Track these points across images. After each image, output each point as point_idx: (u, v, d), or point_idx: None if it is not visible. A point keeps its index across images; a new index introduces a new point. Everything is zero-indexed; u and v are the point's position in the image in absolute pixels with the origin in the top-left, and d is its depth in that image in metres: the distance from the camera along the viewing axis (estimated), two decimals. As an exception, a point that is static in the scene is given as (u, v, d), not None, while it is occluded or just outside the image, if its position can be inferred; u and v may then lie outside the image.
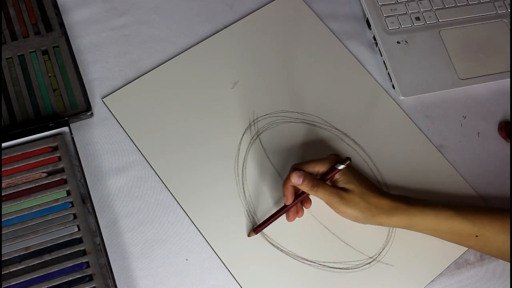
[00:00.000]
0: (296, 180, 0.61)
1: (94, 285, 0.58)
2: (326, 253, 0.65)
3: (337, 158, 0.64)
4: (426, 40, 0.78)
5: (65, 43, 0.70)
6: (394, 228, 0.67)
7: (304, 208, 0.65)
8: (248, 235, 0.65)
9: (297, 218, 0.65)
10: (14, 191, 0.61)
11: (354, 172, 0.64)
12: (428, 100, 0.75)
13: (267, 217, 0.64)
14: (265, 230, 0.65)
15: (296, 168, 0.63)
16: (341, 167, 0.61)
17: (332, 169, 0.62)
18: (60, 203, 0.61)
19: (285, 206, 0.64)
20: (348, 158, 0.62)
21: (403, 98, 0.74)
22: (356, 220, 0.62)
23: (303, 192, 0.63)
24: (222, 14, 0.77)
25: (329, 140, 0.71)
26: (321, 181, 0.62)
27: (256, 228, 0.64)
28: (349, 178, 0.62)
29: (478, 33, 0.79)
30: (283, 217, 0.65)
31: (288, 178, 0.62)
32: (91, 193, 0.63)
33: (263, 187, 0.67)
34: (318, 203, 0.67)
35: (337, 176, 0.62)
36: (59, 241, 0.59)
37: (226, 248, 0.64)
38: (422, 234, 0.66)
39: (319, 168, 0.63)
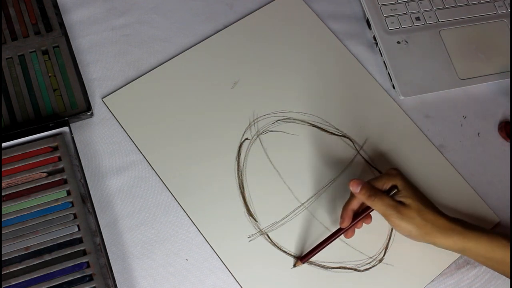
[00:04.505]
0: (354, 188, 0.61)
1: (94, 285, 0.58)
2: (326, 253, 0.65)
3: (397, 173, 0.63)
4: (426, 40, 0.78)
5: (65, 43, 0.70)
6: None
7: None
8: (294, 265, 0.64)
9: (296, 218, 0.65)
10: (14, 191, 0.61)
11: (413, 187, 0.63)
12: (428, 100, 0.75)
13: (315, 244, 0.63)
14: (266, 230, 0.65)
15: (355, 179, 0.62)
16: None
17: (392, 186, 0.62)
18: (60, 203, 0.61)
19: (339, 229, 0.63)
20: (395, 186, 0.61)
21: (403, 98, 0.74)
22: (409, 236, 0.61)
23: (362, 212, 0.63)
24: (222, 14, 0.77)
25: (329, 140, 0.71)
26: (379, 191, 0.61)
27: (304, 257, 0.63)
28: (407, 192, 0.61)
29: (478, 33, 0.79)
30: (283, 219, 0.65)
31: (348, 201, 0.62)
32: (91, 193, 0.63)
33: (263, 187, 0.67)
34: (319, 203, 0.67)
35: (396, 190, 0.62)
36: (59, 241, 0.59)
37: (226, 248, 0.64)
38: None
39: (379, 185, 0.62)
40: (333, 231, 0.64)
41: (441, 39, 0.78)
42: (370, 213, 0.64)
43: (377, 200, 0.60)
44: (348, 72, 0.75)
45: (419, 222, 0.60)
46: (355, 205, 0.63)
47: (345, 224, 0.62)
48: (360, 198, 0.61)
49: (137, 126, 0.68)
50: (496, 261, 0.61)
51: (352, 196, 0.63)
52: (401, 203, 0.61)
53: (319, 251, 0.63)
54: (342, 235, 0.63)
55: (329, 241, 0.63)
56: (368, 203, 0.61)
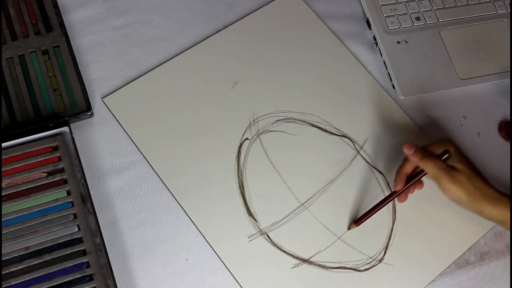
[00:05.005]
0: (407, 150, 0.63)
1: (94, 285, 0.58)
2: (326, 253, 0.65)
3: (449, 140, 0.64)
4: (426, 40, 0.78)
5: (65, 43, 0.70)
6: (394, 228, 0.67)
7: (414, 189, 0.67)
8: (349, 228, 0.65)
9: (296, 218, 0.65)
10: (14, 191, 0.61)
11: (465, 155, 0.64)
12: (428, 100, 0.75)
13: (369, 208, 0.65)
14: (266, 230, 0.65)
15: (408, 142, 0.64)
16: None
17: (444, 150, 0.63)
18: (60, 203, 0.61)
19: (393, 193, 0.65)
20: (447, 151, 0.63)
21: (403, 98, 0.74)
22: (458, 201, 0.63)
23: (415, 176, 0.64)
24: (222, 14, 0.77)
25: (329, 140, 0.71)
26: (432, 154, 0.63)
27: (358, 219, 0.65)
28: (459, 157, 0.63)
29: (478, 33, 0.79)
30: (283, 219, 0.65)
31: (402, 165, 0.64)
32: (91, 193, 0.63)
33: (263, 187, 0.67)
34: (319, 203, 0.67)
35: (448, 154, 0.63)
36: (59, 241, 0.59)
37: (226, 248, 0.64)
38: (422, 234, 0.66)
39: (432, 150, 0.64)
40: (385, 196, 0.65)
41: (441, 39, 0.78)
42: (422, 179, 0.65)
43: (430, 162, 0.62)
44: (348, 72, 0.75)
45: (469, 188, 0.61)
46: (408, 168, 0.65)
47: (399, 187, 0.64)
48: (413, 160, 0.63)
49: (137, 126, 0.68)
50: None
51: (405, 159, 0.64)
52: (453, 167, 0.62)
53: (372, 214, 0.65)
54: (396, 199, 0.66)
55: (383, 204, 0.65)
56: (421, 164, 0.62)
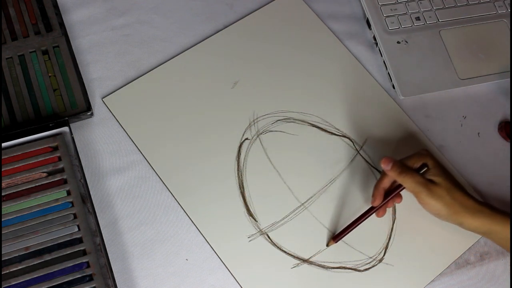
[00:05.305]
0: (385, 165, 0.62)
1: (94, 285, 0.58)
2: (326, 253, 0.65)
3: (428, 153, 0.64)
4: (426, 40, 0.78)
5: (65, 43, 0.70)
6: (395, 228, 0.67)
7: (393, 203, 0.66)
8: (327, 245, 0.65)
9: (296, 218, 0.65)
10: (14, 191, 0.61)
11: (443, 167, 0.64)
12: (428, 100, 0.75)
13: (347, 224, 0.64)
14: (266, 230, 0.65)
15: (386, 156, 0.63)
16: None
17: (422, 164, 0.63)
18: (60, 203, 0.61)
19: (371, 208, 0.64)
20: (425, 165, 0.63)
21: (403, 98, 0.74)
22: (438, 215, 0.62)
23: (393, 191, 0.64)
24: (222, 14, 0.77)
25: (329, 140, 0.71)
26: (410, 169, 0.62)
27: (336, 236, 0.64)
28: (438, 171, 0.62)
29: (478, 33, 0.79)
30: (283, 219, 0.65)
31: (380, 180, 0.63)
32: (91, 193, 0.63)
33: (263, 187, 0.67)
34: (319, 203, 0.67)
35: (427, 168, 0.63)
36: (59, 241, 0.59)
37: (226, 248, 0.64)
38: (422, 234, 0.66)
39: (410, 163, 0.63)
40: (364, 211, 0.64)
41: (441, 39, 0.78)
42: (401, 193, 0.64)
43: (408, 177, 0.61)
44: (348, 72, 0.75)
45: (448, 201, 0.61)
46: (386, 183, 0.64)
47: (377, 203, 0.64)
48: (391, 175, 0.62)
49: (137, 126, 0.68)
50: None
51: (383, 174, 0.64)
52: (431, 181, 0.62)
53: (350, 230, 0.64)
54: (373, 214, 0.64)
55: (361, 221, 0.64)
56: (399, 180, 0.62)
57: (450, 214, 0.61)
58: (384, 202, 0.64)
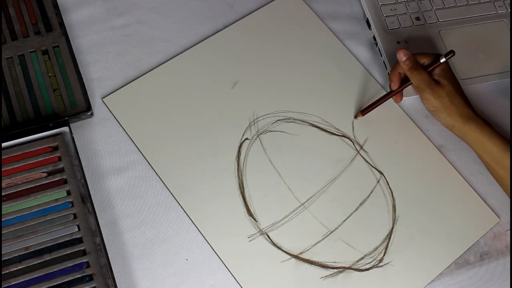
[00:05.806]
0: (400, 56, 0.68)
1: (94, 285, 0.58)
2: (326, 253, 0.65)
3: (442, 57, 0.68)
4: (426, 40, 0.78)
5: (65, 43, 0.70)
6: (394, 228, 0.67)
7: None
8: (355, 117, 0.72)
9: (296, 218, 0.65)
10: (14, 191, 0.61)
11: (452, 73, 0.69)
12: (428, 100, 0.75)
13: (374, 100, 0.71)
14: (266, 230, 0.65)
15: (405, 49, 0.68)
16: (443, 60, 0.67)
17: (435, 61, 0.68)
18: (60, 203, 0.61)
19: (391, 91, 0.71)
20: (452, 51, 0.67)
21: (403, 98, 0.74)
22: (433, 112, 0.68)
23: (408, 79, 0.69)
24: (222, 14, 0.77)
25: (329, 139, 0.71)
26: (421, 66, 0.68)
27: (365, 109, 0.71)
28: (445, 74, 0.68)
29: (478, 33, 0.79)
30: (283, 219, 0.65)
31: (396, 65, 0.70)
32: (91, 193, 0.63)
33: (263, 187, 0.67)
34: (319, 203, 0.67)
35: (436, 69, 0.68)
36: (59, 241, 0.59)
37: (226, 248, 0.64)
38: (422, 234, 0.66)
39: (424, 60, 0.69)
40: (385, 95, 0.71)
41: (441, 39, 0.78)
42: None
43: (416, 74, 0.67)
44: (348, 72, 0.75)
45: (446, 103, 0.66)
46: (400, 69, 0.70)
47: (395, 86, 0.70)
48: (403, 66, 0.68)
49: (137, 126, 0.68)
50: (502, 166, 0.65)
51: (398, 62, 0.69)
52: (437, 81, 0.67)
53: (376, 106, 0.71)
54: (392, 98, 0.72)
55: (383, 100, 0.71)
56: (408, 74, 0.68)
57: (445, 115, 0.67)
58: (401, 88, 0.70)
